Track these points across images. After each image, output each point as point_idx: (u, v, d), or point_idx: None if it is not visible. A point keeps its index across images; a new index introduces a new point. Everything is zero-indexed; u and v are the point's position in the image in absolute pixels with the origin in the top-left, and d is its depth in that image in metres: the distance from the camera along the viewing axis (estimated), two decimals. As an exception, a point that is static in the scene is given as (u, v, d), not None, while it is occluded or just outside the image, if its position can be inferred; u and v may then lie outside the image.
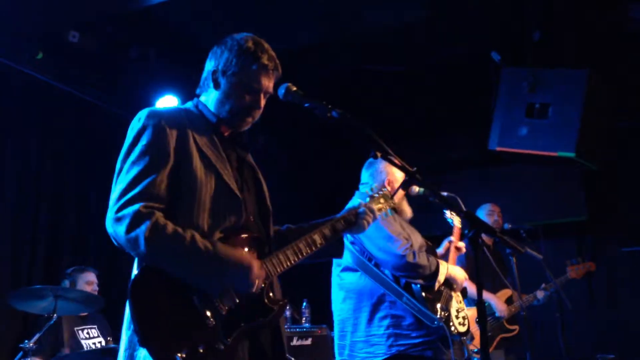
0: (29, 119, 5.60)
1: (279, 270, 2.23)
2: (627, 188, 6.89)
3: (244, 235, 2.22)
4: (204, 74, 2.39)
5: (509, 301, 5.28)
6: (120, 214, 2.02)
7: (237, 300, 2.07)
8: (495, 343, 5.08)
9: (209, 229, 2.13)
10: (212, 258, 2.03)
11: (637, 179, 6.77)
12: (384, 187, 3.73)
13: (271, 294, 2.21)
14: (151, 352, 1.89)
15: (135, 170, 2.09)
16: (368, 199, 2.69)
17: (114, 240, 2.07)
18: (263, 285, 2.15)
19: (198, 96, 2.44)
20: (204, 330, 1.99)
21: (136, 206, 2.02)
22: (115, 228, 2.03)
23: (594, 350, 6.10)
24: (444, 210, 4.24)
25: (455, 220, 4.07)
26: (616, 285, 7.02)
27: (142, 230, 1.98)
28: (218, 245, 2.07)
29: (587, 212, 6.97)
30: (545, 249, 5.01)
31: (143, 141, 2.13)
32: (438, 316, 3.44)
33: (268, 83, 2.32)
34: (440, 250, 3.99)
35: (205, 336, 1.98)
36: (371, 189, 2.77)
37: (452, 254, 3.93)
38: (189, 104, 2.41)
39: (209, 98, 2.36)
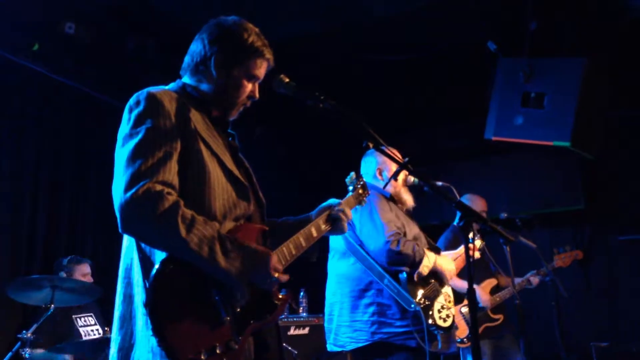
0: (25, 110, 5.59)
1: (283, 263, 2.21)
2: (624, 177, 6.89)
3: (255, 226, 2.20)
4: (194, 57, 2.31)
5: (494, 291, 5.31)
6: (143, 198, 1.87)
7: (249, 297, 2.02)
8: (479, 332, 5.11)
9: (222, 217, 2.07)
10: (237, 253, 1.96)
11: (633, 168, 6.78)
12: (376, 175, 3.84)
13: (275, 290, 2.17)
14: (170, 354, 1.79)
15: (146, 155, 1.95)
16: (352, 192, 2.77)
17: (125, 226, 1.92)
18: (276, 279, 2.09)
19: (180, 77, 2.37)
20: (221, 329, 1.94)
21: (160, 191, 1.90)
22: (135, 213, 1.88)
23: (590, 338, 6.13)
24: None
25: (477, 243, 4.03)
26: (613, 273, 7.03)
27: (173, 218, 1.87)
28: (239, 239, 2.02)
29: (583, 201, 6.97)
30: (542, 238, 5.01)
31: (148, 124, 2.01)
32: (416, 300, 3.41)
33: (264, 74, 2.35)
34: (453, 253, 3.92)
35: (222, 335, 1.93)
36: (350, 179, 2.81)
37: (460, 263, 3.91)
38: (172, 86, 2.32)
39: (200, 82, 2.30)
